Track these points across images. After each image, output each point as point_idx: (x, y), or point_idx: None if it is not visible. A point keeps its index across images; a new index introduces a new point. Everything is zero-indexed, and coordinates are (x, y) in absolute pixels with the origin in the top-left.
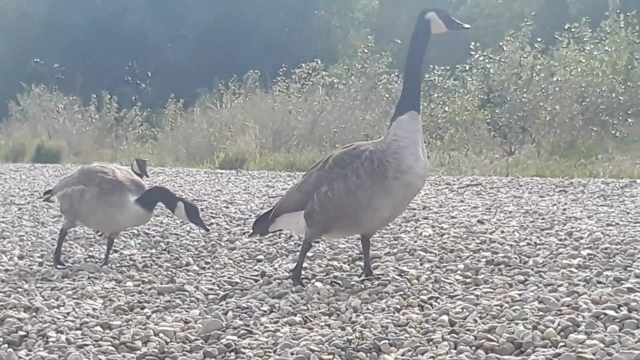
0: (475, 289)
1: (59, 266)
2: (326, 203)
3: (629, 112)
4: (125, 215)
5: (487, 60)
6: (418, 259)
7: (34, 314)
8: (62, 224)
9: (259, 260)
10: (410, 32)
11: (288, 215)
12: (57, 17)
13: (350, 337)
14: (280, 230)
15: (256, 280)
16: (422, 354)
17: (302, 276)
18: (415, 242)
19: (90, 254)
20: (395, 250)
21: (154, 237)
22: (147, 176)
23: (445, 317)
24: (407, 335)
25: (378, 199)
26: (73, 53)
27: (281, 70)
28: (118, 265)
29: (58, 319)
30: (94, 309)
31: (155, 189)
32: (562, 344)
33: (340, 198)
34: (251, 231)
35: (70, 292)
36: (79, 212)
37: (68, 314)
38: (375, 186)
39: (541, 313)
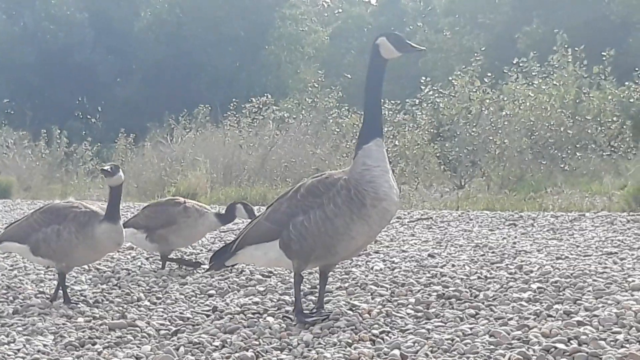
0: (426, 323)
1: (71, 305)
2: (303, 232)
3: (578, 145)
4: (103, 241)
5: (436, 95)
6: (369, 293)
7: None
8: (57, 268)
9: (211, 295)
10: (360, 66)
11: (254, 248)
12: (5, 52)
13: None
14: (236, 264)
15: (208, 316)
16: None
17: (254, 311)
18: (367, 276)
19: (41, 289)
20: (346, 285)
21: (104, 272)
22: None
23: (396, 352)
24: None
25: (355, 227)
26: (22, 88)
27: (232, 104)
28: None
29: (8, 355)
30: (44, 345)
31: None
32: None
33: (318, 227)
34: (208, 266)
35: (20, 328)
36: (57, 252)
37: (18, 350)
38: (354, 214)
39: (492, 347)
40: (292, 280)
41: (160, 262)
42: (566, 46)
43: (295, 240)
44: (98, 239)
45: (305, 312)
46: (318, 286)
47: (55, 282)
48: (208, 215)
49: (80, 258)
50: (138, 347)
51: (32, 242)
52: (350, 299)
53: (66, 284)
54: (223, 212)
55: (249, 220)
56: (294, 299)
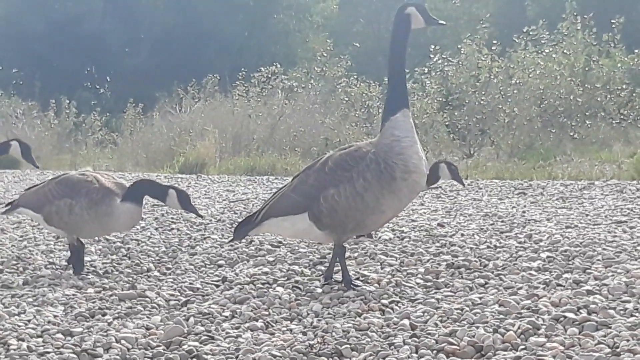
0: (435, 293)
1: (81, 275)
2: (334, 206)
3: (587, 114)
4: (119, 220)
5: (445, 63)
6: (379, 263)
7: None
8: (65, 239)
9: (220, 266)
10: (369, 35)
11: (281, 219)
12: (14, 22)
13: (312, 342)
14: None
15: (217, 286)
16: (384, 359)
17: (264, 281)
18: (376, 246)
19: (51, 260)
20: (355, 255)
21: (114, 243)
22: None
23: (406, 321)
24: (369, 339)
25: (385, 201)
26: (31, 58)
27: (240, 74)
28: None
29: (19, 326)
30: (55, 316)
31: (139, 182)
32: (523, 347)
33: (348, 201)
34: (232, 236)
35: (30, 300)
36: (69, 225)
37: (29, 321)
38: (384, 189)
39: (501, 316)
40: (300, 249)
41: None
42: (575, 14)
43: (326, 213)
44: (111, 218)
45: (354, 282)
46: (328, 256)
47: (65, 253)
48: None
49: (91, 233)
50: (148, 317)
51: (46, 213)
52: (360, 268)
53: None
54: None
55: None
56: (341, 272)
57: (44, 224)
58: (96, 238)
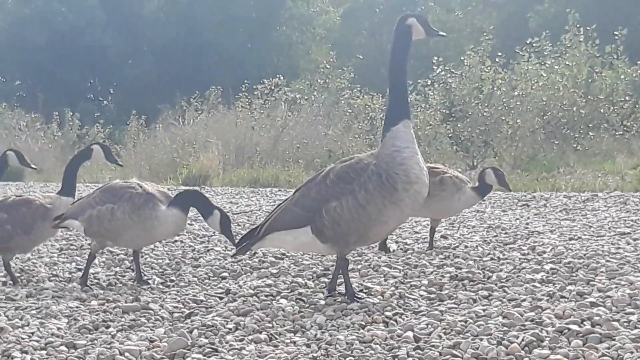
0: (439, 305)
1: (85, 288)
2: (336, 218)
3: (590, 125)
4: (164, 225)
5: (448, 75)
6: (382, 275)
7: None
8: (91, 247)
9: (224, 278)
10: (372, 47)
11: (283, 233)
12: (16, 34)
13: (315, 355)
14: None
15: (221, 298)
16: None
17: (267, 294)
18: (379, 258)
19: (54, 272)
20: (359, 267)
21: (117, 255)
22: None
23: (410, 334)
24: (372, 351)
25: (388, 212)
26: (34, 70)
27: (243, 86)
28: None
29: (22, 339)
30: (58, 329)
31: (189, 192)
32: (527, 359)
33: (351, 213)
34: (235, 252)
35: (34, 312)
36: (110, 232)
37: (33, 333)
38: (386, 200)
39: (505, 328)
40: (303, 262)
41: None
42: (578, 25)
43: (329, 226)
44: (156, 222)
45: (358, 295)
46: (332, 268)
47: (68, 265)
48: (465, 190)
49: (133, 239)
50: (152, 329)
51: (87, 219)
52: (363, 280)
53: (79, 267)
54: (477, 184)
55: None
56: (344, 285)
57: (84, 234)
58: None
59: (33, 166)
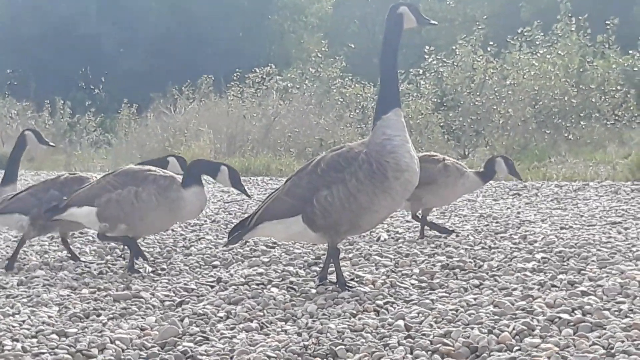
0: (430, 294)
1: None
2: (327, 207)
3: (582, 114)
4: (190, 205)
5: (440, 64)
6: (373, 264)
7: None
8: (98, 229)
9: (215, 266)
10: (364, 36)
11: (275, 222)
12: (8, 24)
13: (306, 343)
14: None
15: (212, 287)
16: (379, 359)
17: (258, 282)
18: (371, 246)
19: (45, 261)
20: (350, 255)
21: (108, 243)
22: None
23: (401, 322)
24: (364, 340)
25: (379, 200)
26: (25, 58)
27: (235, 75)
28: (74, 272)
29: (13, 327)
30: (49, 317)
31: (193, 163)
32: (517, 347)
33: (342, 202)
34: (227, 240)
35: (25, 300)
36: (130, 215)
37: (23, 322)
38: (377, 188)
39: (496, 317)
40: (294, 250)
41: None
42: (570, 15)
43: (320, 215)
44: (182, 203)
45: (349, 283)
46: (323, 257)
47: (59, 254)
48: (469, 175)
49: (155, 223)
50: (143, 318)
51: (102, 204)
52: (355, 269)
53: (69, 255)
54: (481, 169)
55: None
56: (335, 273)
57: (94, 221)
58: (89, 238)
59: (51, 144)
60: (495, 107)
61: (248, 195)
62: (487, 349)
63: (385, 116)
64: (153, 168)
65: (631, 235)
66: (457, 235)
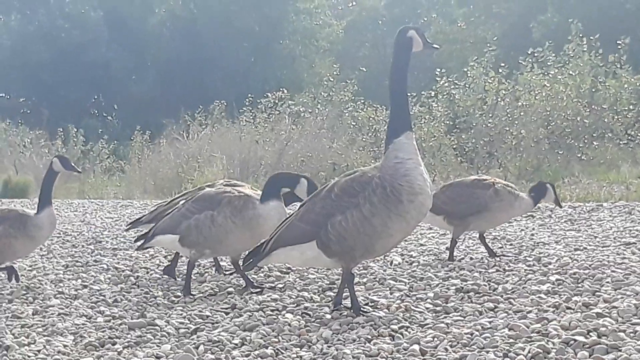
0: (445, 317)
1: (190, 296)
2: (342, 233)
3: (594, 135)
4: (268, 220)
5: (452, 86)
6: (388, 288)
7: (5, 352)
8: (189, 256)
9: (229, 293)
10: (375, 59)
11: (289, 249)
12: (20, 52)
13: None
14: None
15: (227, 313)
16: None
17: (273, 308)
18: (385, 271)
19: (60, 289)
20: (365, 280)
21: (123, 271)
22: None
23: (416, 347)
24: None
25: (393, 224)
26: (38, 87)
27: (247, 100)
28: (88, 300)
29: (29, 357)
30: (64, 346)
31: (272, 177)
32: None
33: (356, 227)
34: (242, 268)
35: (40, 329)
36: (210, 239)
37: (39, 351)
38: (391, 212)
39: (511, 340)
40: (309, 276)
41: None
42: (581, 35)
43: (335, 240)
44: (260, 220)
45: (364, 308)
46: (337, 282)
47: (74, 282)
48: (523, 198)
49: (236, 243)
50: (158, 346)
51: (183, 230)
52: (369, 294)
53: (84, 283)
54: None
55: None
56: (350, 298)
57: (178, 247)
58: (104, 266)
59: (78, 170)
60: (507, 129)
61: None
62: None
63: (397, 140)
64: (229, 189)
65: None
66: (471, 259)
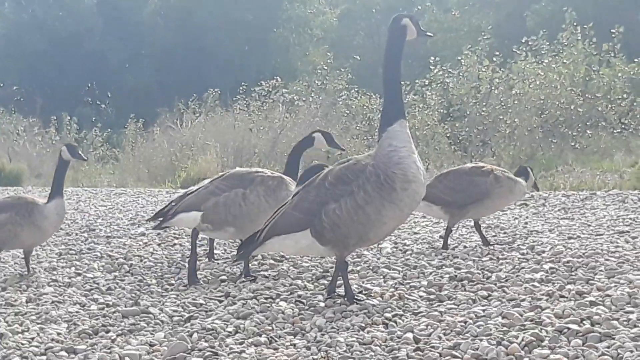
0: (439, 305)
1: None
2: (336, 221)
3: (588, 123)
4: None
5: (446, 75)
6: (381, 276)
7: None
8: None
9: (223, 281)
10: (369, 47)
11: (283, 237)
12: (15, 40)
13: (315, 357)
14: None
15: (220, 301)
16: None
17: (266, 296)
18: (378, 259)
19: (54, 277)
20: (358, 268)
21: (117, 259)
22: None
23: (409, 335)
24: (372, 353)
25: (387, 212)
26: (32, 75)
27: (241, 88)
28: (82, 288)
29: (23, 344)
30: (58, 334)
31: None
32: (526, 359)
33: (350, 215)
34: (236, 257)
35: (34, 317)
36: (239, 217)
37: (32, 339)
38: (385, 200)
39: (505, 328)
40: (302, 264)
41: None
42: (575, 24)
43: (329, 228)
44: None
45: (357, 296)
46: (331, 270)
47: (68, 270)
48: (520, 182)
49: (261, 224)
50: (151, 334)
51: (209, 207)
52: (363, 282)
53: (78, 271)
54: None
55: None
56: (344, 287)
57: (199, 224)
58: (97, 254)
59: (85, 157)
60: (501, 117)
61: (343, 149)
62: None
63: (391, 128)
64: (260, 170)
65: (639, 244)
66: (464, 247)
